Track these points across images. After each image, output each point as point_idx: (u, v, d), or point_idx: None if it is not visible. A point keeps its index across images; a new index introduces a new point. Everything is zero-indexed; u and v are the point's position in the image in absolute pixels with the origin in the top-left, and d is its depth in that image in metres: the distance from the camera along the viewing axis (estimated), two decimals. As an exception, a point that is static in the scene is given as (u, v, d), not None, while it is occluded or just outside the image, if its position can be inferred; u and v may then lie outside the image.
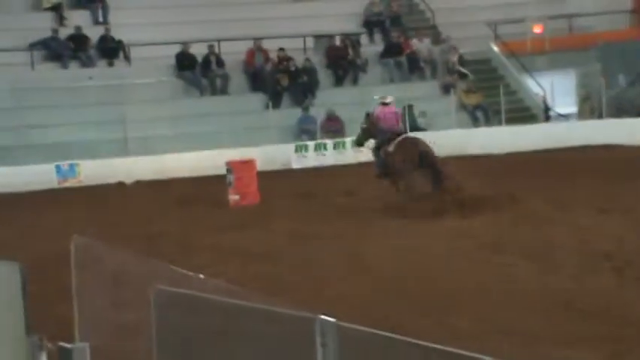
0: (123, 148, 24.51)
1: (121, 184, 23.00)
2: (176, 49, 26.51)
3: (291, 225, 15.81)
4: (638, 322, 9.55)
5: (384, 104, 17.81)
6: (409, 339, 4.45)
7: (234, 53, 26.73)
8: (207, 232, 15.55)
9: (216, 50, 26.79)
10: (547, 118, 27.19)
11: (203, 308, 5.70)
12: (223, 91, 26.64)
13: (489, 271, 12.11)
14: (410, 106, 26.00)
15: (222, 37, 26.77)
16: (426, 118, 26.24)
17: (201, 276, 6.72)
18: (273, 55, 27.02)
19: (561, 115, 27.39)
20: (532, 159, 23.24)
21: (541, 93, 27.21)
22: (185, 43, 26.50)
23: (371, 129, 17.83)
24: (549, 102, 27.11)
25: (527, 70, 27.84)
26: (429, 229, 14.99)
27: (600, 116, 26.51)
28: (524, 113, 27.39)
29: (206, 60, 26.63)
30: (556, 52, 27.89)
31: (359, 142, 18.74)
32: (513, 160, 23.17)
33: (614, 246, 12.83)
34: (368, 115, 18.07)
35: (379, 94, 18.75)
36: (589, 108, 27.01)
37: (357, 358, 4.71)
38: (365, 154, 24.67)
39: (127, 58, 26.75)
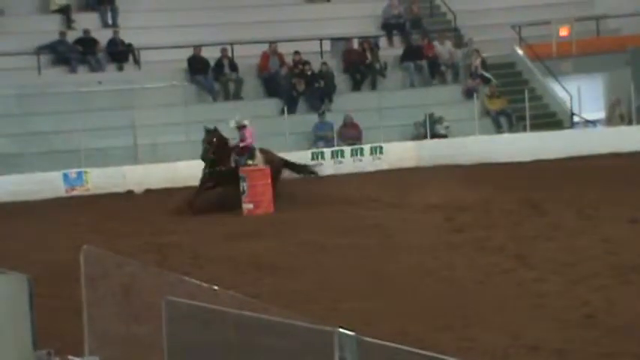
0: (132, 156, 24.26)
1: (130, 193, 22.80)
2: (188, 52, 26.28)
3: (307, 235, 15.85)
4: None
5: (245, 126, 19.91)
6: (431, 353, 4.26)
7: (247, 57, 26.49)
8: (221, 243, 15.62)
9: (230, 54, 26.55)
10: (573, 125, 26.55)
11: (217, 321, 5.59)
12: (237, 96, 26.39)
13: (514, 284, 12.04)
14: (431, 115, 25.72)
15: (235, 40, 26.59)
16: (442, 125, 25.65)
17: (215, 287, 6.47)
18: (289, 59, 26.79)
19: (588, 121, 26.79)
20: (558, 167, 23.23)
21: (567, 98, 26.55)
22: (197, 47, 26.20)
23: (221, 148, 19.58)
24: (576, 107, 26.45)
25: (553, 74, 27.29)
26: (450, 241, 14.99)
27: (630, 123, 26.16)
28: (550, 119, 27.06)
29: (219, 64, 26.38)
30: (583, 55, 27.67)
31: (205, 158, 19.73)
32: (538, 168, 23.12)
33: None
34: (209, 132, 19.80)
35: (234, 120, 20.35)
36: (618, 114, 26.35)
37: (377, 372, 4.52)
38: (383, 160, 24.25)
39: (137, 62, 26.50)
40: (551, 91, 27.31)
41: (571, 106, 26.59)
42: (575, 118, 26.74)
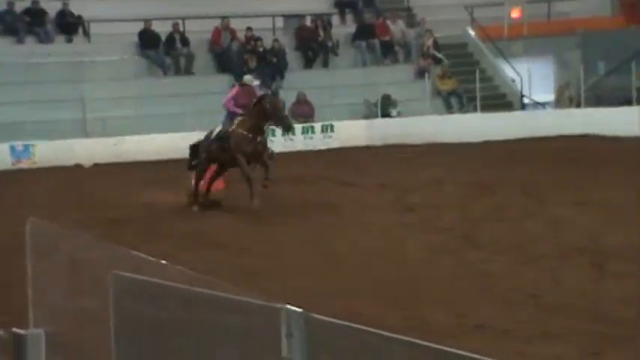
0: (81, 129, 23.93)
1: (78, 167, 22.52)
2: (138, 26, 26.01)
3: (258, 213, 15.49)
4: (609, 318, 9.44)
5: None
6: (379, 331, 4.22)
7: (199, 32, 26.28)
8: (170, 219, 15.39)
9: (181, 28, 26.35)
10: (523, 106, 26.65)
11: (163, 296, 5.50)
12: (188, 71, 26.12)
13: (462, 264, 12.06)
14: (386, 96, 25.60)
15: (186, 14, 26.36)
16: (395, 109, 25.60)
17: (163, 262, 6.25)
18: (241, 35, 26.48)
19: (538, 102, 26.89)
20: (507, 148, 23.22)
21: (517, 79, 26.64)
22: (148, 20, 25.84)
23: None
24: (526, 89, 26.55)
25: (504, 55, 27.28)
26: (399, 220, 14.93)
27: (578, 105, 26.22)
28: (500, 100, 27.03)
29: (170, 38, 26.08)
30: (534, 37, 27.70)
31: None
32: (488, 149, 23.11)
33: (589, 239, 12.82)
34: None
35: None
36: (567, 96, 26.51)
37: (324, 349, 4.46)
38: (334, 138, 24.17)
39: (86, 34, 26.22)
40: (502, 73, 27.42)
41: (521, 88, 26.71)
42: (525, 100, 26.85)
